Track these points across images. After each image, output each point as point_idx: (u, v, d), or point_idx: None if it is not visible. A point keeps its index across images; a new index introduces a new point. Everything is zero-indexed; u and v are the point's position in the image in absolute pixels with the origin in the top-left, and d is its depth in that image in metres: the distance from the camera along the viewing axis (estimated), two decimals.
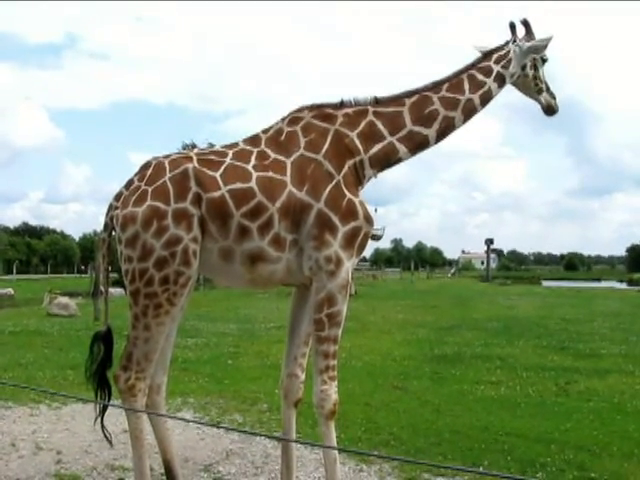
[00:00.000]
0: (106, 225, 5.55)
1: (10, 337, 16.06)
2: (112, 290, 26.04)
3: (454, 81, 5.76)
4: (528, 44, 5.89)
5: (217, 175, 5.25)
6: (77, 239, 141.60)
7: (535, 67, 5.95)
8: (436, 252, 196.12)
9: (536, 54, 5.92)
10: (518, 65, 5.89)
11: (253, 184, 5.23)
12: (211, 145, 10.19)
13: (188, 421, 8.40)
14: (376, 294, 38.42)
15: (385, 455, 7.09)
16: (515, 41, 5.90)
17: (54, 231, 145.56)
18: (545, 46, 5.92)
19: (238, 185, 5.22)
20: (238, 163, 5.34)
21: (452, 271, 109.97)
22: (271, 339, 16.21)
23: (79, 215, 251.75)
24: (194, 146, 44.02)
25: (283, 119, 5.67)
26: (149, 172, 5.36)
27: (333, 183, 5.33)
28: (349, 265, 5.36)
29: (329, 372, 5.37)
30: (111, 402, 5.73)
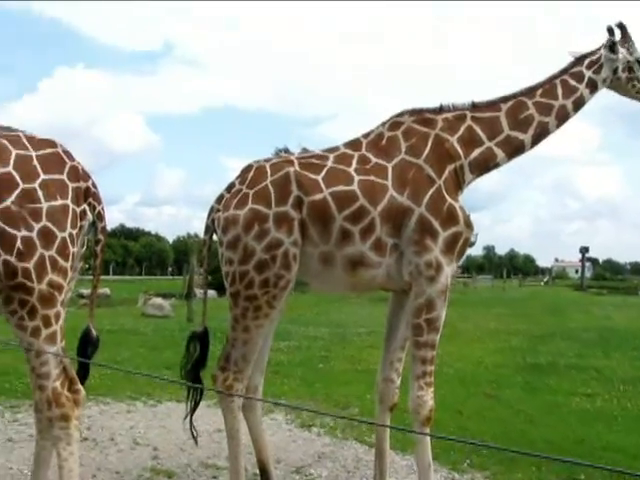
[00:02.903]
0: (207, 227, 5.66)
1: (107, 335, 16.39)
2: None
3: (547, 86, 5.71)
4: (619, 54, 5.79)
5: (319, 178, 5.29)
6: (171, 241, 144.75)
7: (630, 69, 5.81)
8: (529, 260, 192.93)
9: (630, 57, 5.81)
10: (610, 70, 5.78)
11: (355, 187, 5.25)
12: (305, 150, 10.24)
13: (311, 411, 8.47)
14: (467, 301, 37.94)
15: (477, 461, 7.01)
16: (612, 45, 5.78)
17: (149, 233, 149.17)
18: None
19: (340, 188, 5.25)
20: (340, 166, 5.37)
21: (545, 279, 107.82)
22: (362, 344, 16.21)
23: (173, 218, 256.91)
24: (287, 151, 44.27)
25: (384, 123, 5.68)
26: (250, 175, 5.44)
27: (434, 188, 5.31)
28: (449, 270, 5.33)
29: (426, 378, 5.35)
30: (206, 401, 5.84)
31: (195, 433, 5.76)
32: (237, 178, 5.55)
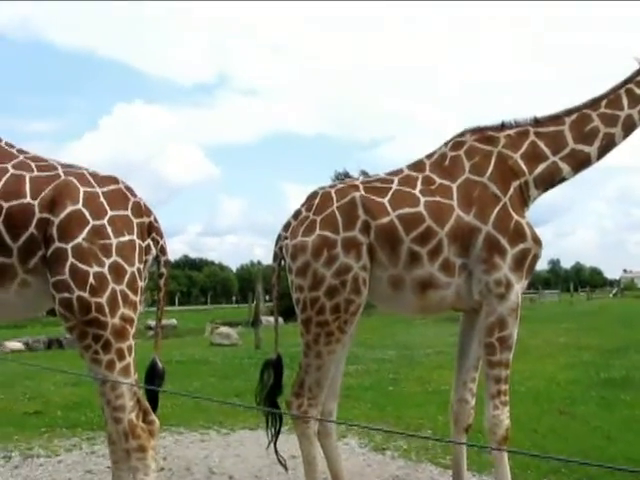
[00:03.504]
0: (275, 255, 5.71)
1: (177, 366, 16.60)
2: (271, 319, 26.64)
3: (612, 97, 5.63)
4: None
5: (385, 201, 5.30)
6: (234, 270, 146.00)
7: None
8: (595, 272, 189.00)
9: None
10: None
11: (421, 209, 5.25)
12: (364, 173, 10.28)
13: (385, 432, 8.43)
14: (535, 317, 37.28)
15: None
16: None
17: (212, 263, 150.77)
18: None
19: (406, 210, 5.26)
20: (405, 189, 5.39)
21: (614, 291, 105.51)
22: (431, 365, 16.05)
23: (235, 247, 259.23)
24: (347, 175, 44.47)
25: (446, 144, 5.68)
26: (316, 202, 5.48)
27: (500, 205, 5.28)
28: (519, 288, 5.28)
29: (501, 397, 5.29)
30: (281, 428, 5.86)
31: (283, 460, 5.79)
32: (303, 205, 5.60)
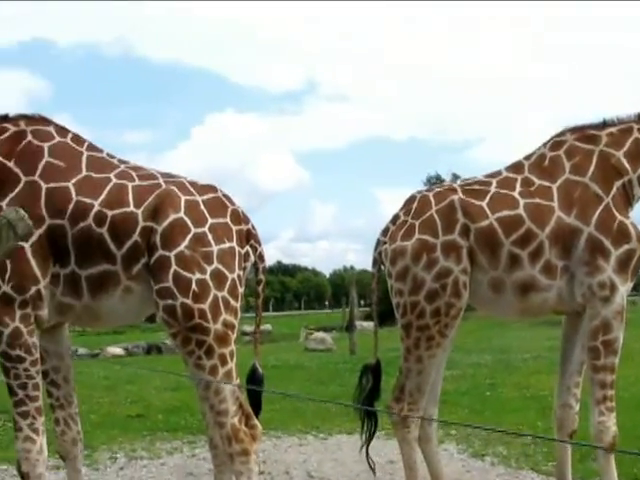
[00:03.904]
0: (375, 260, 5.72)
1: (273, 371, 16.71)
2: (365, 324, 26.64)
3: None
4: None
5: (484, 204, 5.25)
6: (327, 275, 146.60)
7: None
8: None
9: None
10: None
11: (521, 211, 5.18)
12: (455, 176, 10.19)
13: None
14: (638, 320, 36.27)
15: None
16: None
17: (306, 268, 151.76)
18: None
19: (506, 213, 5.19)
20: (504, 191, 5.32)
21: None
22: (529, 370, 15.72)
23: (328, 252, 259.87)
24: (439, 178, 44.15)
25: (545, 144, 5.58)
26: (414, 206, 5.46)
27: (602, 206, 5.16)
28: (624, 290, 5.15)
29: (606, 402, 5.16)
30: (375, 433, 5.86)
31: (372, 464, 5.78)
32: (401, 209, 5.59)
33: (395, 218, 5.60)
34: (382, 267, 5.67)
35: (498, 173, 5.58)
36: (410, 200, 5.60)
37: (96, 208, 4.91)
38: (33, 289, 4.88)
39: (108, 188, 4.99)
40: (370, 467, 5.81)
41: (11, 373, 4.89)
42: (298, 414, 10.74)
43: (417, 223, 5.35)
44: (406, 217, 5.46)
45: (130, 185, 5.03)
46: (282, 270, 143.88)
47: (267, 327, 38.78)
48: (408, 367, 5.44)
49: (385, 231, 5.62)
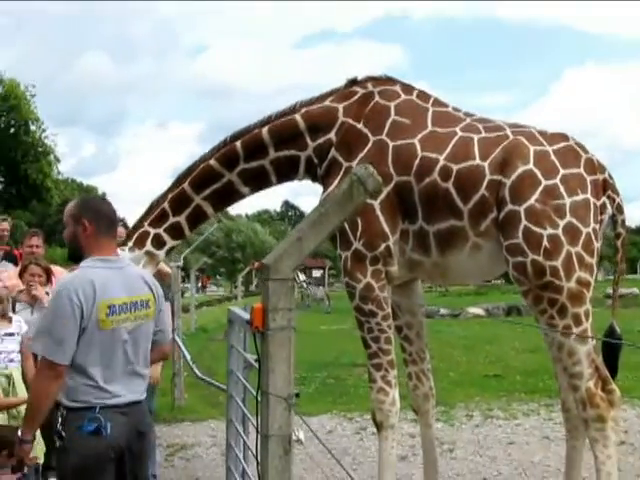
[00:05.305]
0: None
1: (638, 336, 15.75)
2: None
3: None
4: None
5: None
6: None
7: None
8: None
9: None
10: None
11: None
12: None
13: None
14: None
15: None
16: None
17: None
18: None
19: None
20: None
21: None
22: None
23: None
24: None
25: None
26: None
27: None
28: None
29: None
30: None
31: None
32: None
33: None
34: None
35: None
36: None
37: (441, 163, 4.91)
38: (383, 245, 5.01)
39: (453, 142, 4.96)
40: None
41: (365, 327, 5.08)
42: None
43: None
44: None
45: (476, 138, 4.95)
46: None
47: (634, 290, 36.42)
48: None
49: None
